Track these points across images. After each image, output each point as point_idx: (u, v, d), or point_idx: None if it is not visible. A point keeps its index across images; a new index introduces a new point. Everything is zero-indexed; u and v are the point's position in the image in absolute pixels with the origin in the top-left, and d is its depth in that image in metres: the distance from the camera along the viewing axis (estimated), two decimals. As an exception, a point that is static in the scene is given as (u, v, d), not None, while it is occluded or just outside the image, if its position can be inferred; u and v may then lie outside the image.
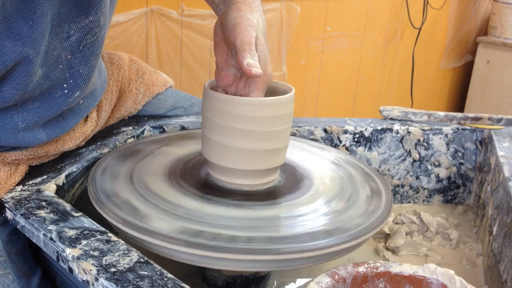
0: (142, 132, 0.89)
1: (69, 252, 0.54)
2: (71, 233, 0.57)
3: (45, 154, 0.71)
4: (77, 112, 0.74)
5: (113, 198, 0.65)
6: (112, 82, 0.87)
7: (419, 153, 0.96)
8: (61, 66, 0.65)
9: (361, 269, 0.56)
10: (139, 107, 0.92)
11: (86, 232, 0.57)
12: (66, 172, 0.72)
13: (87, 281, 0.52)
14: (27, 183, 0.68)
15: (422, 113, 0.98)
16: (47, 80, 0.64)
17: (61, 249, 0.55)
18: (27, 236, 0.61)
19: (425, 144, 0.96)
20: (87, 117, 0.80)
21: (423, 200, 1.00)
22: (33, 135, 0.67)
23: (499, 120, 0.95)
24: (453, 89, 2.76)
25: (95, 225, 0.59)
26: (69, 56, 0.66)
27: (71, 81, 0.68)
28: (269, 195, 0.69)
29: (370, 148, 0.95)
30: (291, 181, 0.73)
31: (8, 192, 0.66)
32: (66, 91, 0.67)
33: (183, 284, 0.50)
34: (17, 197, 0.65)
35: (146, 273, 0.51)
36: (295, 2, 1.84)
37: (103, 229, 0.58)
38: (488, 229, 0.82)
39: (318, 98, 2.13)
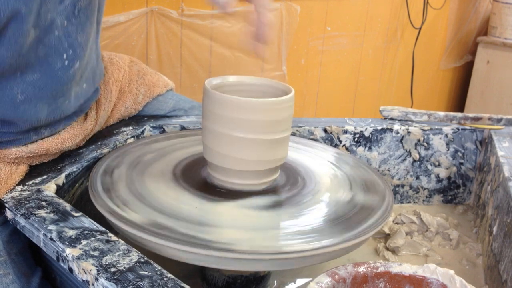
0: (142, 132, 0.89)
1: (69, 252, 0.54)
2: (71, 233, 0.57)
3: (45, 152, 0.71)
4: (79, 95, 0.74)
5: (113, 198, 0.65)
6: (112, 82, 0.87)
7: (419, 153, 0.96)
8: (57, 32, 0.65)
9: (361, 269, 0.56)
10: (140, 107, 0.92)
11: (86, 232, 0.57)
12: (66, 172, 0.72)
13: (87, 281, 0.52)
14: (27, 183, 0.68)
15: (422, 113, 0.98)
16: (41, 44, 0.64)
17: (61, 249, 0.55)
18: (27, 236, 0.61)
19: (425, 144, 0.96)
20: (86, 115, 0.80)
21: (423, 200, 1.00)
22: (34, 109, 0.67)
23: (499, 120, 0.95)
24: (453, 89, 2.76)
25: (95, 225, 0.59)
26: (65, 22, 0.66)
27: (71, 51, 0.68)
28: (269, 195, 0.69)
29: (370, 148, 0.95)
30: (291, 181, 0.73)
31: (8, 192, 0.66)
32: (66, 63, 0.68)
33: (183, 284, 0.50)
34: (17, 197, 0.65)
35: (146, 273, 0.51)
36: (295, 2, 1.84)
37: (103, 229, 0.58)
38: (488, 229, 0.82)
39: (318, 98, 2.13)
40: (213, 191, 0.69)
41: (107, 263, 0.52)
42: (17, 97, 0.64)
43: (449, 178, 0.98)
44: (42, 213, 0.61)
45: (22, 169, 0.70)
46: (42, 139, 0.71)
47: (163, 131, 0.91)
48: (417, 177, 0.98)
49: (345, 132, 0.94)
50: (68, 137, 0.74)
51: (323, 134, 0.94)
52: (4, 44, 0.60)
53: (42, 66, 0.65)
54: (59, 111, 0.71)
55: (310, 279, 0.55)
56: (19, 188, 0.67)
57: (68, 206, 0.63)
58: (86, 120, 0.79)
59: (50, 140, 0.72)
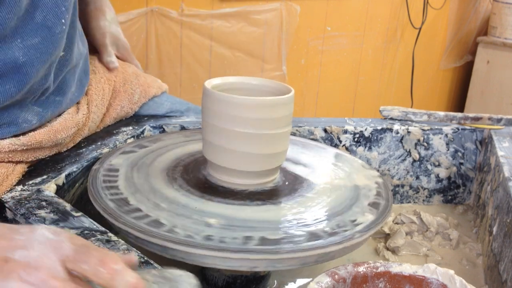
0: (142, 132, 0.89)
1: (69, 252, 0.54)
2: (71, 233, 0.57)
3: (38, 145, 0.71)
4: (60, 63, 0.76)
5: (113, 198, 0.65)
6: (104, 80, 0.89)
7: (419, 153, 0.96)
8: None
9: (361, 269, 0.56)
10: (136, 107, 0.93)
11: (86, 232, 0.57)
12: (66, 172, 0.72)
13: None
14: (27, 183, 0.68)
15: (422, 113, 0.98)
16: (38, 9, 0.66)
17: (61, 249, 0.55)
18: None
19: (425, 144, 0.96)
20: (78, 108, 0.81)
21: (423, 200, 1.00)
22: (35, 70, 0.68)
23: (499, 120, 0.95)
24: (453, 89, 2.76)
25: (95, 225, 0.59)
26: None
27: (67, 15, 0.71)
28: (270, 195, 0.69)
29: (370, 148, 0.95)
30: (289, 185, 0.73)
31: (8, 192, 0.66)
32: (64, 27, 0.70)
33: (183, 284, 0.50)
34: (17, 197, 0.65)
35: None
36: (295, 2, 1.84)
37: (103, 229, 0.58)
38: (488, 229, 0.82)
39: (318, 98, 2.13)
40: (213, 191, 0.69)
41: (107, 263, 0.52)
42: (18, 59, 0.66)
43: (449, 178, 0.98)
44: (42, 213, 0.61)
45: (19, 170, 0.69)
46: (33, 130, 0.72)
47: (163, 131, 0.91)
48: (417, 177, 0.98)
49: (345, 132, 0.94)
50: (60, 128, 0.74)
51: (323, 134, 0.94)
52: (6, 6, 0.62)
53: (42, 31, 0.67)
54: (50, 76, 0.72)
55: (310, 279, 0.55)
56: (19, 188, 0.67)
57: (68, 206, 0.63)
58: (78, 113, 0.80)
59: (42, 132, 0.72)
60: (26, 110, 0.70)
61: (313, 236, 0.60)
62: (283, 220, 0.64)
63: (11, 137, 0.69)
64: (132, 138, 0.86)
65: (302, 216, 0.65)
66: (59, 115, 0.77)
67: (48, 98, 0.74)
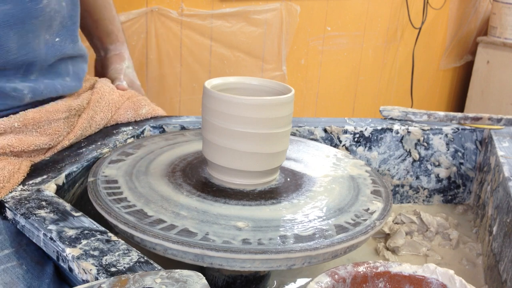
0: (142, 132, 0.89)
1: (69, 252, 0.54)
2: (71, 232, 0.57)
3: (32, 121, 0.72)
4: (51, 46, 0.77)
5: (113, 197, 0.65)
6: (115, 95, 0.90)
7: (419, 153, 0.96)
8: None
9: (361, 269, 0.56)
10: (140, 118, 0.93)
11: (86, 232, 0.57)
12: (66, 172, 0.72)
13: (87, 281, 0.52)
14: (27, 183, 0.68)
15: (422, 113, 0.98)
16: None
17: (61, 249, 0.55)
18: (27, 236, 0.61)
19: (425, 144, 0.96)
20: (76, 98, 0.83)
21: (423, 200, 1.00)
22: (5, 37, 0.69)
23: (499, 120, 0.95)
24: (453, 89, 2.76)
25: (95, 225, 0.59)
26: None
27: None
28: (279, 193, 0.70)
29: (370, 148, 0.95)
30: (291, 181, 0.73)
31: (8, 191, 0.66)
32: None
33: (183, 284, 0.50)
34: (17, 197, 0.65)
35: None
36: (295, 2, 1.84)
37: (103, 229, 0.58)
38: (488, 229, 0.82)
39: (318, 98, 2.13)
40: (224, 193, 0.68)
41: (107, 263, 0.52)
42: None
43: (449, 178, 0.98)
44: (42, 213, 0.61)
45: (24, 169, 0.70)
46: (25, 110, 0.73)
47: (163, 131, 0.92)
48: (417, 177, 0.98)
49: (345, 132, 0.94)
50: (51, 110, 0.76)
51: (323, 134, 0.94)
52: None
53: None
54: (30, 49, 0.73)
55: (310, 279, 0.55)
56: (19, 188, 0.67)
57: (68, 206, 0.63)
58: (74, 101, 0.80)
59: (33, 110, 0.73)
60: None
61: (340, 228, 0.62)
62: (303, 216, 0.65)
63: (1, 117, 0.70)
64: (132, 138, 0.86)
65: (318, 210, 0.66)
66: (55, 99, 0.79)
67: (35, 68, 0.75)
